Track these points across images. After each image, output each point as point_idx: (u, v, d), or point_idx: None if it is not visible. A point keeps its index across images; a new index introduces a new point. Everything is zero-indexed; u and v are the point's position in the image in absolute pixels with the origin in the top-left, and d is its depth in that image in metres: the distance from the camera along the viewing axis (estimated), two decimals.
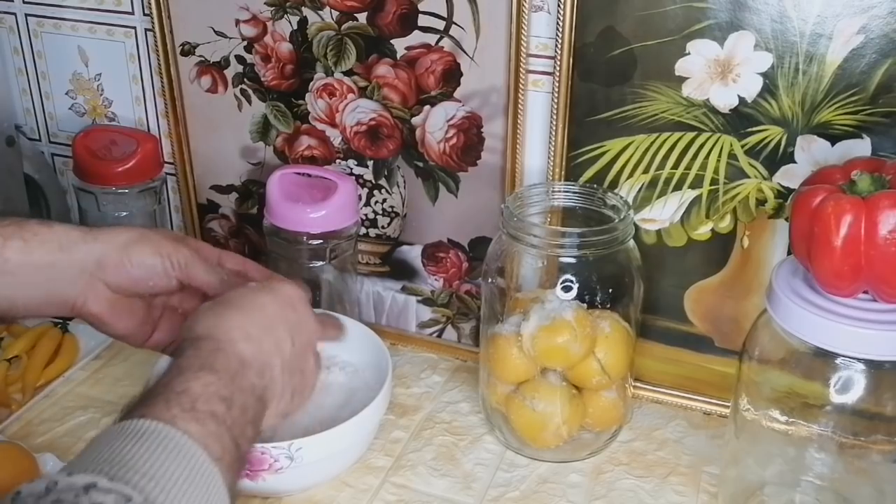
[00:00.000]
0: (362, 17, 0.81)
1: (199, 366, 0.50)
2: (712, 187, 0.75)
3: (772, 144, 0.72)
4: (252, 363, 0.53)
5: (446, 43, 0.79)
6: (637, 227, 0.78)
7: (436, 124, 0.82)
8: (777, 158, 0.72)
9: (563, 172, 0.79)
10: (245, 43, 0.87)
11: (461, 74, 0.79)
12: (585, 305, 0.73)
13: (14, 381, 0.84)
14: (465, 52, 0.78)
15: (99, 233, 0.62)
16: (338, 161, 0.89)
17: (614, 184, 0.78)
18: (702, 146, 0.74)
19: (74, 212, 1.03)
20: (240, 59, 0.88)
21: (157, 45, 0.89)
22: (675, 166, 0.75)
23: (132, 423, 0.45)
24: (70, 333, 0.91)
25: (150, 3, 0.87)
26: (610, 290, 0.74)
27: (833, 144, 0.70)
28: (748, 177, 0.74)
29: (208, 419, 0.47)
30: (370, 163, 0.87)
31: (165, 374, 0.50)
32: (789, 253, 0.70)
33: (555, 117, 0.77)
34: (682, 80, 0.72)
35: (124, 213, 0.97)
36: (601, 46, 0.73)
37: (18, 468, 0.68)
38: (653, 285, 0.78)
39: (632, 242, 0.74)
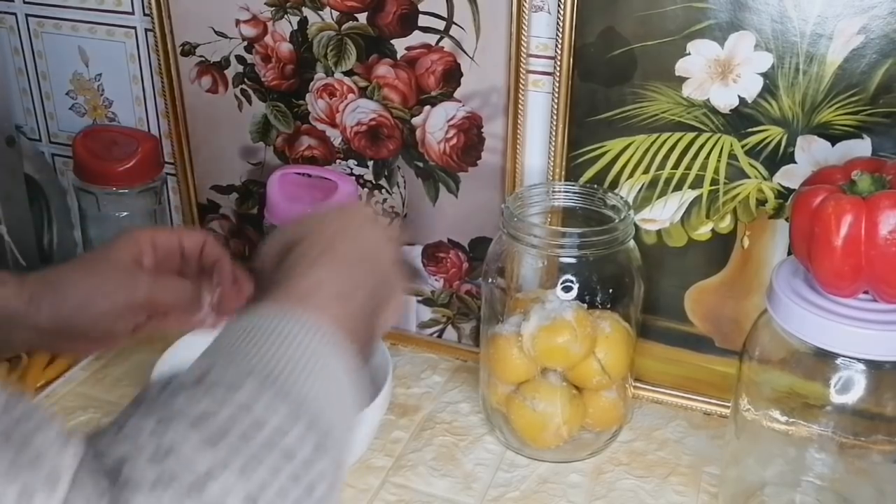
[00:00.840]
0: (362, 18, 0.81)
1: (311, 263, 0.50)
2: (712, 187, 0.75)
3: (772, 145, 0.72)
4: (358, 262, 0.52)
5: (446, 43, 0.79)
6: (637, 228, 0.78)
7: (436, 124, 0.82)
8: (777, 159, 0.72)
9: (563, 173, 0.79)
10: (245, 43, 0.87)
11: (461, 75, 0.79)
12: (586, 306, 0.73)
13: (14, 382, 0.84)
14: (465, 52, 0.78)
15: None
16: (338, 161, 0.89)
17: (614, 184, 0.78)
18: (702, 146, 0.74)
19: (75, 212, 1.03)
20: (240, 59, 0.88)
21: (157, 46, 0.89)
22: (676, 166, 0.75)
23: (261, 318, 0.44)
24: None
25: (150, 4, 0.87)
26: (610, 291, 0.74)
27: (833, 145, 0.70)
28: (748, 177, 0.74)
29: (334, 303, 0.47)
30: (370, 163, 0.87)
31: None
32: (789, 253, 0.70)
33: (555, 117, 0.76)
34: (683, 80, 0.72)
35: (124, 213, 0.97)
36: (601, 47, 0.73)
37: None
38: (653, 285, 0.78)
39: (632, 243, 0.74)
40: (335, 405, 0.42)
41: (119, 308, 0.57)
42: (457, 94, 0.80)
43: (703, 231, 0.77)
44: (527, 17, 0.75)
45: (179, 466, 0.34)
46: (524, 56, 0.76)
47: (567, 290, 0.72)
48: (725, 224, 0.76)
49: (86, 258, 0.62)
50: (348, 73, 0.84)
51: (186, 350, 0.79)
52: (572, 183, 0.78)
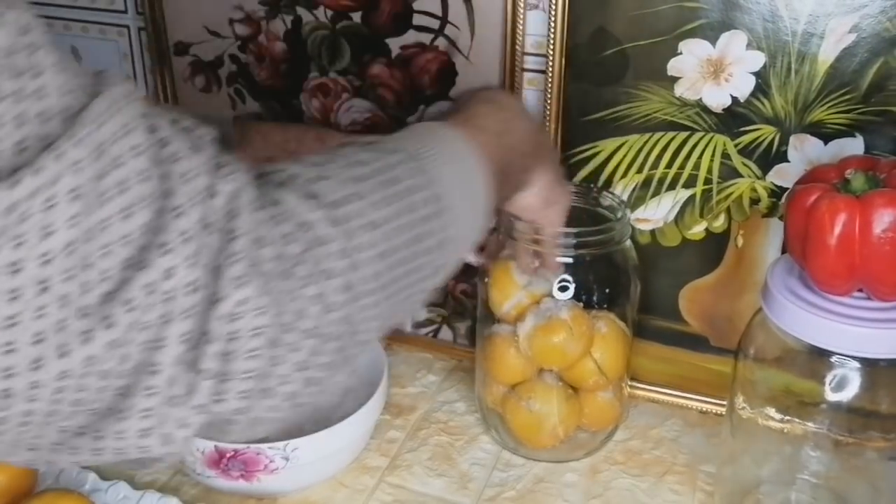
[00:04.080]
0: (356, 17, 0.81)
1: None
2: (706, 187, 0.75)
3: (765, 143, 0.72)
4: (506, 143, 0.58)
5: (441, 42, 0.79)
6: (631, 227, 0.78)
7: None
8: (770, 157, 0.72)
9: None
10: (239, 42, 0.87)
11: (456, 73, 0.79)
12: (582, 305, 0.73)
13: None
14: (459, 51, 0.78)
15: None
16: None
17: (608, 184, 0.78)
18: (695, 146, 0.74)
19: None
20: (234, 58, 0.88)
21: (150, 45, 0.89)
22: (669, 166, 0.75)
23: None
24: None
25: (143, 2, 0.87)
26: (606, 291, 0.74)
27: (826, 143, 0.70)
28: (741, 176, 0.74)
29: (480, 133, 0.54)
30: None
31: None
32: (783, 252, 0.71)
33: (548, 117, 0.77)
34: (675, 79, 0.72)
35: None
36: (593, 46, 0.73)
37: (13, 470, 0.68)
38: (647, 285, 0.78)
39: (628, 242, 0.74)
40: (464, 196, 0.51)
41: None
42: (451, 93, 0.80)
43: (697, 230, 0.77)
44: (522, 15, 0.75)
45: (328, 188, 0.43)
46: (519, 54, 0.76)
47: (563, 290, 0.72)
48: (719, 223, 0.76)
49: None
50: (342, 73, 0.84)
51: None
52: (568, 183, 0.78)
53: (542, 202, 0.66)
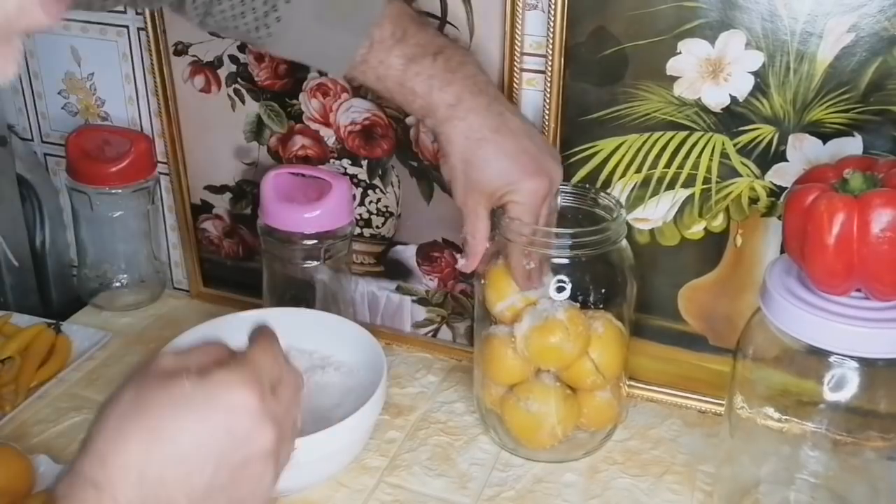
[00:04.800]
0: None
1: None
2: (705, 186, 0.75)
3: (764, 143, 0.72)
4: None
5: None
6: (630, 227, 0.78)
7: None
8: (769, 157, 0.72)
9: None
10: (238, 43, 0.87)
11: None
12: (579, 305, 0.73)
13: (7, 383, 0.84)
14: None
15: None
16: (332, 161, 0.89)
17: (607, 183, 0.78)
18: (694, 145, 0.74)
19: (67, 212, 1.03)
20: (233, 58, 0.88)
21: (149, 45, 0.89)
22: (668, 165, 0.75)
23: None
24: (63, 334, 0.90)
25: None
26: (603, 291, 0.74)
27: (825, 143, 0.70)
28: (740, 175, 0.74)
29: None
30: (364, 162, 0.87)
31: None
32: (782, 251, 0.71)
33: (547, 117, 0.77)
34: (674, 79, 0.72)
35: (118, 213, 0.97)
36: (592, 46, 0.73)
37: (12, 470, 0.68)
38: (646, 284, 0.78)
39: (624, 242, 0.74)
40: None
41: None
42: None
43: (696, 230, 0.77)
44: (521, 16, 0.75)
45: None
46: (518, 54, 0.76)
47: (560, 290, 0.72)
48: (718, 222, 0.76)
49: None
50: None
51: None
52: (565, 183, 0.77)
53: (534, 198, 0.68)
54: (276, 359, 0.50)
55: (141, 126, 0.97)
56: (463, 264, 0.73)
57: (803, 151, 0.71)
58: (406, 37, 0.66)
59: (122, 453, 0.44)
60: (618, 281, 0.74)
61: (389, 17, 0.66)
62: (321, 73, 0.84)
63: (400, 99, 0.68)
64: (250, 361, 0.48)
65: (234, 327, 0.82)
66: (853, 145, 0.69)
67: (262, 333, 0.51)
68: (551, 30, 0.73)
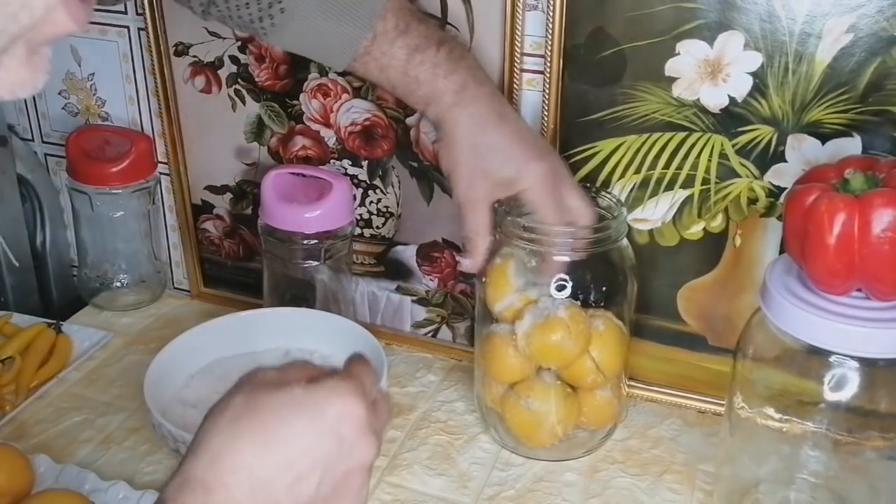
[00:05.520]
0: None
1: None
2: (704, 187, 0.75)
3: (762, 144, 0.72)
4: None
5: None
6: (629, 227, 0.78)
7: (430, 124, 0.82)
8: (768, 157, 0.73)
9: None
10: (239, 43, 0.87)
11: None
12: (579, 304, 0.73)
13: (8, 383, 0.84)
14: None
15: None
16: (332, 161, 0.89)
17: (606, 184, 0.78)
18: (693, 146, 0.74)
19: (68, 212, 1.03)
20: (234, 59, 0.88)
21: (150, 45, 0.89)
22: (667, 166, 0.76)
23: None
24: (64, 334, 0.90)
25: (143, 3, 0.87)
26: (604, 289, 0.74)
27: (824, 143, 0.71)
28: (739, 176, 0.74)
29: None
30: (365, 163, 0.87)
31: None
32: (781, 251, 0.71)
33: (546, 118, 0.77)
34: (673, 80, 0.72)
35: (118, 213, 0.97)
36: (591, 47, 0.73)
37: (12, 470, 0.68)
38: (646, 285, 0.79)
39: (625, 241, 0.74)
40: None
41: None
42: None
43: (695, 230, 0.77)
44: (521, 16, 0.75)
45: None
46: (518, 55, 0.76)
47: (561, 289, 0.72)
48: (717, 223, 0.76)
49: None
50: (342, 73, 0.84)
51: (179, 352, 0.79)
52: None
53: (550, 197, 0.69)
54: (374, 378, 0.50)
55: (141, 126, 0.97)
56: (468, 264, 0.73)
57: (802, 152, 0.71)
58: (409, 29, 0.67)
59: (234, 456, 0.44)
60: (618, 280, 0.74)
61: (392, 9, 0.66)
62: (322, 73, 0.85)
63: (402, 90, 0.69)
64: (355, 375, 0.48)
65: (235, 327, 0.83)
66: (852, 146, 0.70)
67: (359, 358, 0.51)
68: (550, 31, 0.73)
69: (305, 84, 0.86)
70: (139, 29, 0.91)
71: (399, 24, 0.66)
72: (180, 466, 0.44)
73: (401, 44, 0.66)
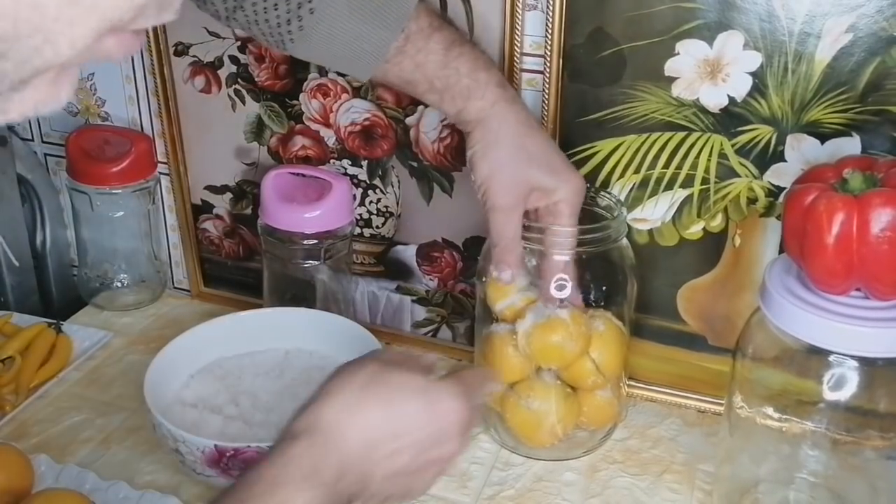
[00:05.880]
0: None
1: (307, 474, 0.48)
2: (703, 187, 0.75)
3: (762, 143, 0.72)
4: (356, 469, 0.51)
5: None
6: (629, 227, 0.78)
7: (430, 124, 0.83)
8: (767, 157, 0.73)
9: None
10: (239, 43, 0.87)
11: None
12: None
13: (8, 382, 0.84)
14: None
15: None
16: (332, 161, 0.89)
17: (606, 184, 0.78)
18: (692, 146, 0.74)
19: (68, 211, 1.03)
20: (233, 59, 0.88)
21: (150, 45, 0.89)
22: (666, 166, 0.76)
23: None
24: (64, 334, 0.90)
25: None
26: (604, 289, 0.74)
27: (823, 143, 0.71)
28: (739, 176, 0.74)
29: None
30: (364, 163, 0.88)
31: (272, 460, 0.49)
32: (781, 251, 0.71)
33: (546, 118, 0.77)
34: (672, 80, 0.72)
35: (119, 213, 0.97)
36: (591, 47, 0.73)
37: (12, 469, 0.68)
38: (646, 284, 0.79)
39: (625, 241, 0.74)
40: None
41: None
42: None
43: (695, 230, 0.77)
44: (520, 16, 0.75)
45: None
46: (517, 55, 0.76)
47: (561, 288, 0.72)
48: (717, 223, 0.76)
49: None
50: (342, 73, 0.84)
51: (179, 352, 0.79)
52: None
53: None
54: (482, 391, 0.60)
55: (141, 126, 0.97)
56: (508, 277, 0.69)
57: (801, 152, 0.71)
58: (442, 27, 0.66)
59: (359, 413, 0.51)
60: (618, 280, 0.74)
61: (424, 10, 0.65)
62: (322, 73, 0.85)
63: (441, 83, 0.66)
64: (469, 383, 0.57)
65: (235, 327, 0.83)
66: (851, 145, 0.70)
67: (474, 370, 0.62)
68: (549, 31, 0.73)
69: (305, 84, 0.86)
70: None
71: (433, 23, 0.66)
72: (307, 408, 0.51)
73: (437, 38, 0.65)
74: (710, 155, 0.74)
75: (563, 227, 0.69)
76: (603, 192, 0.76)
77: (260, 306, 0.89)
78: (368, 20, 0.63)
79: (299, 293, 0.87)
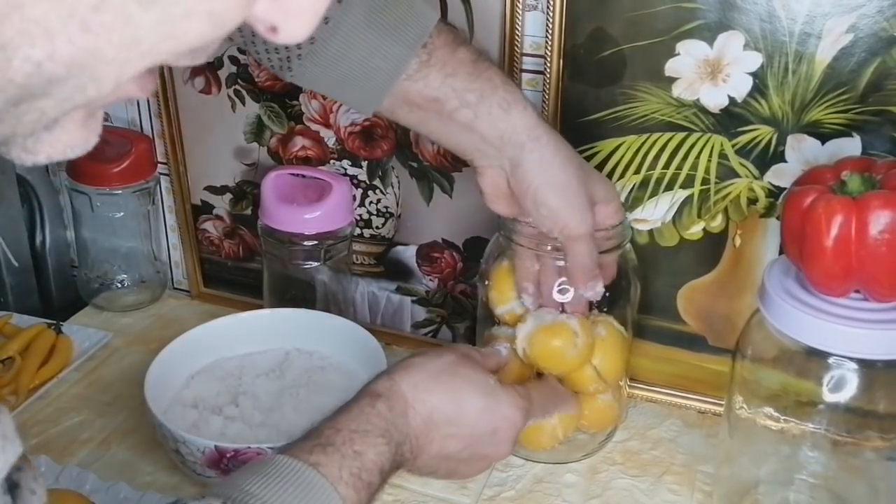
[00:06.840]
0: None
1: (382, 430, 0.54)
2: (703, 187, 0.75)
3: (762, 144, 0.72)
4: (414, 440, 0.56)
5: None
6: (631, 229, 0.78)
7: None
8: (767, 158, 0.73)
9: None
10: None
11: None
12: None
13: (8, 383, 0.84)
14: None
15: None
16: (332, 162, 0.89)
17: None
18: (692, 146, 0.74)
19: (68, 212, 1.03)
20: (233, 59, 0.88)
21: None
22: (667, 166, 0.76)
23: (298, 464, 0.49)
24: (64, 335, 0.90)
25: None
26: (606, 294, 0.74)
27: (823, 143, 0.70)
28: (739, 176, 0.74)
29: (364, 490, 0.51)
30: (364, 163, 0.87)
31: (351, 414, 0.54)
32: (781, 252, 0.71)
33: (546, 118, 0.77)
34: (672, 80, 0.72)
35: (118, 214, 0.97)
36: (591, 47, 0.73)
37: None
38: (646, 285, 0.78)
39: (628, 245, 0.74)
40: None
41: None
42: None
43: (695, 230, 0.77)
44: (520, 16, 0.75)
45: None
46: (517, 55, 0.76)
47: (563, 292, 0.71)
48: (717, 223, 0.76)
49: None
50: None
51: (179, 352, 0.79)
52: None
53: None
54: (542, 411, 0.67)
55: (141, 127, 0.97)
56: (601, 288, 0.68)
57: (802, 152, 0.71)
58: (464, 42, 0.64)
59: (428, 393, 0.58)
60: (621, 284, 0.74)
61: (445, 27, 0.63)
62: None
63: (475, 96, 0.62)
64: (531, 399, 0.63)
65: (235, 327, 0.83)
66: (852, 146, 0.70)
67: (553, 392, 0.69)
68: (549, 31, 0.73)
69: None
70: None
71: (456, 38, 0.63)
72: (386, 373, 0.58)
73: (464, 51, 0.63)
74: (710, 155, 0.74)
75: (615, 223, 0.70)
76: None
77: (260, 307, 0.89)
78: (385, 34, 0.60)
79: (299, 294, 0.87)
